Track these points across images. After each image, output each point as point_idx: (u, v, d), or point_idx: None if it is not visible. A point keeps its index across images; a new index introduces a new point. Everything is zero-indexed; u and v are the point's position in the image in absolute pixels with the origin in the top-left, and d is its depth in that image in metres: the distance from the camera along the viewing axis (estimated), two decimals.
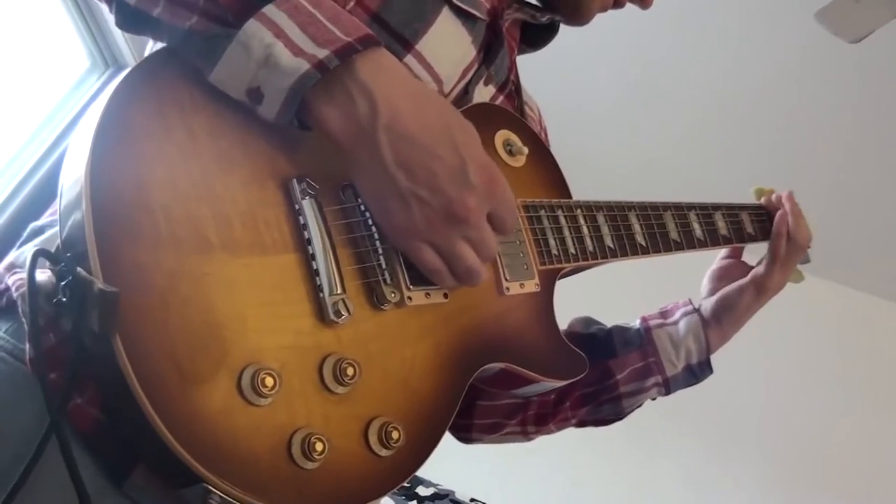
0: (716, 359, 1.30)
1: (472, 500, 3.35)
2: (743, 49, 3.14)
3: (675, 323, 1.30)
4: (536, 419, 1.29)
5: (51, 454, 0.75)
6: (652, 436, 3.36)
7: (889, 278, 3.68)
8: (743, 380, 3.56)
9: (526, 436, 1.32)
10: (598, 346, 1.09)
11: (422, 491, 3.27)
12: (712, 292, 1.32)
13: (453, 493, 3.33)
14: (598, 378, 1.26)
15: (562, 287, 1.11)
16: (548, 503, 3.41)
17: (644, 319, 1.32)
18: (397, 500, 3.21)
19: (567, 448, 2.83)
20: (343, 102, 0.82)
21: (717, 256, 1.39)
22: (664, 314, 1.32)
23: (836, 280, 3.67)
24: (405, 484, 0.88)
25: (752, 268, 1.33)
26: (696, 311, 1.31)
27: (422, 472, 0.91)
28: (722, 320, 1.29)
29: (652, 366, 1.27)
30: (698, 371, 1.29)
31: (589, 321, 1.33)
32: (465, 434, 1.30)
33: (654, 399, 1.30)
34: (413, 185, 0.83)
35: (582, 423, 1.32)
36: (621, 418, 1.31)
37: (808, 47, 2.95)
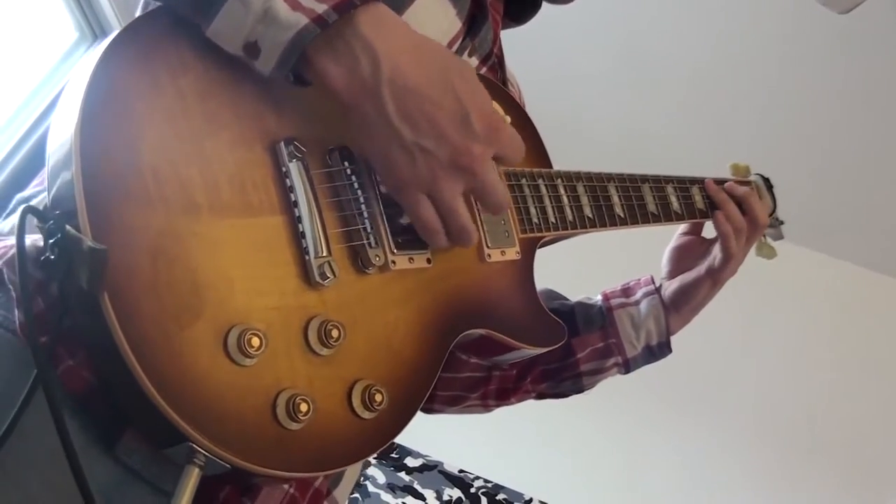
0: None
1: (461, 470, 3.38)
2: (731, 18, 3.14)
3: (637, 303, 1.31)
4: (498, 394, 1.30)
5: (41, 422, 0.75)
6: (643, 406, 3.39)
7: (879, 249, 3.70)
8: (738, 357, 3.59)
9: (487, 409, 1.34)
10: None
11: (410, 462, 3.29)
12: (672, 274, 1.34)
13: (442, 464, 3.35)
14: (560, 356, 1.28)
15: (541, 255, 1.12)
16: (537, 474, 3.44)
17: (606, 297, 1.33)
18: (386, 471, 3.24)
19: (556, 419, 2.86)
20: (346, 59, 0.83)
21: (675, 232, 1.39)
22: (626, 292, 1.34)
23: (829, 253, 3.70)
24: (393, 455, 0.89)
25: (710, 242, 1.34)
26: (657, 291, 1.32)
27: (410, 443, 0.92)
28: (681, 310, 1.31)
29: (613, 347, 1.29)
30: (657, 351, 1.31)
31: (551, 294, 1.34)
32: (427, 405, 1.31)
33: (612, 375, 1.33)
34: (417, 137, 0.84)
35: (541, 397, 1.34)
36: (581, 392, 1.33)
37: (797, 17, 2.96)
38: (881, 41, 2.98)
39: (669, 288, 1.32)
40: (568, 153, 1.22)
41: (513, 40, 1.29)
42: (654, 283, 1.34)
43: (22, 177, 2.48)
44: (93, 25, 2.74)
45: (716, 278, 1.30)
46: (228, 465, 0.76)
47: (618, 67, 3.40)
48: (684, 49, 3.28)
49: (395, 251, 0.92)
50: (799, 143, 3.39)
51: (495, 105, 1.11)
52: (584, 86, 3.50)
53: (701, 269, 1.31)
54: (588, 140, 3.24)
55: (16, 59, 2.63)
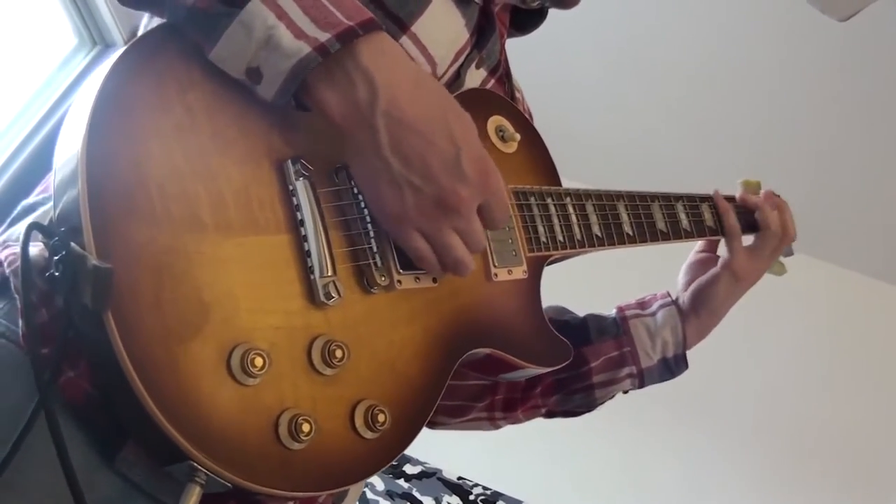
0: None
1: (460, 478, 3.38)
2: (730, 25, 3.15)
3: (653, 314, 1.28)
4: (505, 404, 1.27)
5: (42, 432, 0.75)
6: (642, 413, 3.37)
7: (879, 257, 3.71)
8: (739, 365, 3.59)
9: (493, 422, 1.30)
10: (573, 333, 1.09)
11: (409, 469, 3.30)
12: (687, 285, 1.31)
13: (441, 471, 3.36)
14: (572, 365, 1.21)
15: (548, 273, 1.11)
16: (536, 481, 3.43)
17: (620, 309, 1.31)
18: (385, 478, 3.24)
19: (555, 426, 2.84)
20: (344, 86, 0.83)
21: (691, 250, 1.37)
22: (641, 305, 1.31)
23: (828, 260, 3.70)
24: (392, 462, 0.89)
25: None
26: (674, 302, 1.29)
27: (409, 451, 0.92)
28: (700, 313, 1.27)
29: (627, 355, 1.26)
30: (674, 365, 1.27)
31: (562, 310, 1.32)
32: (431, 417, 1.29)
33: (626, 392, 1.29)
34: (407, 172, 0.84)
35: (551, 414, 1.31)
36: (591, 410, 1.30)
37: (796, 25, 2.96)
38: (884, 47, 2.98)
39: (686, 293, 1.29)
40: (567, 162, 1.21)
41: (511, 48, 1.28)
42: (670, 296, 1.31)
43: (22, 182, 2.48)
44: (92, 31, 2.73)
45: (733, 271, 1.27)
46: (230, 485, 0.76)
47: (617, 75, 3.40)
48: (685, 56, 3.28)
49: (400, 271, 0.92)
50: (799, 150, 3.40)
51: (504, 123, 1.11)
52: (583, 94, 3.50)
53: (715, 268, 1.28)
54: (586, 148, 3.25)
55: (15, 64, 2.63)
